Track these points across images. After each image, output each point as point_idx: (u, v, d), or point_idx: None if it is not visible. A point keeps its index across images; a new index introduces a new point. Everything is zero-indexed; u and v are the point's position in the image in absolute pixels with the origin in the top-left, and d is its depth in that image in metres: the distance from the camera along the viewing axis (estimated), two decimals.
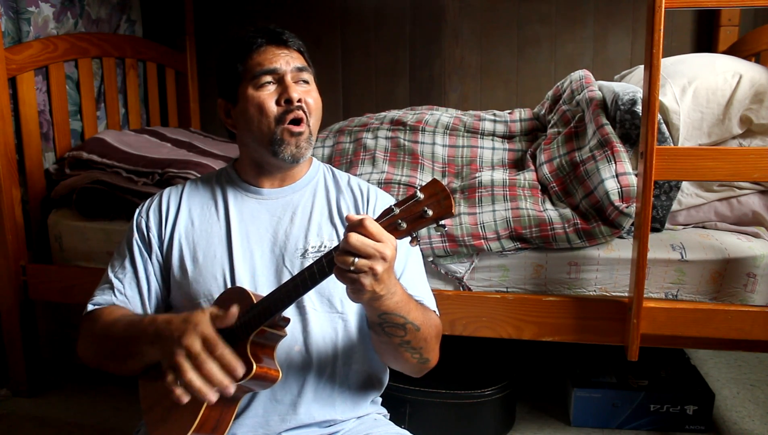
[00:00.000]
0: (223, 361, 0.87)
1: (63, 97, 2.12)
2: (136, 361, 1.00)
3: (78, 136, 2.23)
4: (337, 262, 0.85)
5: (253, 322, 0.93)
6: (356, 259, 0.83)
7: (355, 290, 0.87)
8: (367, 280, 0.85)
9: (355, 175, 1.56)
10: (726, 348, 1.54)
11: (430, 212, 0.83)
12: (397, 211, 0.85)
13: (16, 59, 1.90)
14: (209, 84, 2.87)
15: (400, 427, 1.12)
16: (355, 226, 0.84)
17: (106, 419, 1.83)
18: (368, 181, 1.61)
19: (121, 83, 2.47)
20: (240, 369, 0.88)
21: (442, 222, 0.84)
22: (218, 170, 1.24)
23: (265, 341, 0.96)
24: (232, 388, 0.88)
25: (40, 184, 2.03)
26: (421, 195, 0.83)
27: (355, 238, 0.83)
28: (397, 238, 0.86)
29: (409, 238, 0.87)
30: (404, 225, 0.85)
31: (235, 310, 0.92)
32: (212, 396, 0.87)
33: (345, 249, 0.84)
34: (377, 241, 0.84)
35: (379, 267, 0.84)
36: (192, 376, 0.86)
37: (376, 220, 0.86)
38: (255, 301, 0.95)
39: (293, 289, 0.92)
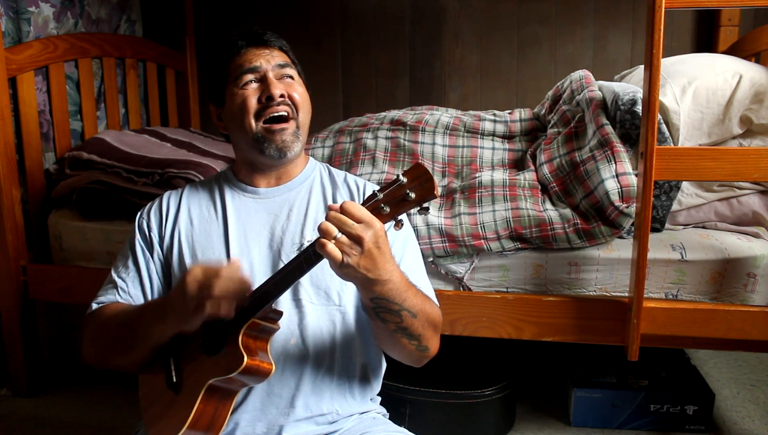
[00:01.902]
0: (233, 278, 0.90)
1: (63, 97, 2.12)
2: (143, 347, 1.01)
3: (78, 136, 2.23)
4: (319, 233, 0.85)
5: (244, 313, 0.93)
6: (338, 234, 0.84)
7: (342, 267, 0.86)
8: (352, 259, 0.85)
9: (355, 175, 1.56)
10: (726, 348, 1.54)
11: (413, 195, 0.83)
12: (380, 195, 0.85)
13: (16, 59, 1.90)
14: None
15: (400, 427, 1.12)
16: (335, 208, 0.85)
17: (106, 419, 1.83)
18: (368, 181, 1.61)
19: (121, 83, 2.47)
20: (249, 280, 0.91)
21: (426, 204, 0.84)
22: (217, 173, 1.26)
23: (257, 334, 0.96)
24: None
25: (40, 184, 2.03)
26: (403, 179, 0.84)
27: (333, 214, 0.84)
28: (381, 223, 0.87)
29: (393, 223, 0.87)
30: (387, 209, 0.85)
31: (237, 260, 0.94)
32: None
33: (324, 222, 0.85)
34: (358, 221, 0.84)
35: (359, 247, 0.84)
36: (216, 289, 0.88)
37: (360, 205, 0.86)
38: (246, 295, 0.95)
39: (282, 280, 0.92)
